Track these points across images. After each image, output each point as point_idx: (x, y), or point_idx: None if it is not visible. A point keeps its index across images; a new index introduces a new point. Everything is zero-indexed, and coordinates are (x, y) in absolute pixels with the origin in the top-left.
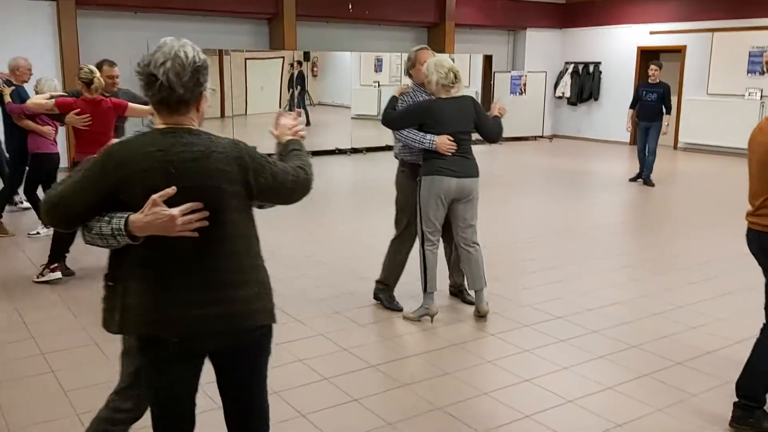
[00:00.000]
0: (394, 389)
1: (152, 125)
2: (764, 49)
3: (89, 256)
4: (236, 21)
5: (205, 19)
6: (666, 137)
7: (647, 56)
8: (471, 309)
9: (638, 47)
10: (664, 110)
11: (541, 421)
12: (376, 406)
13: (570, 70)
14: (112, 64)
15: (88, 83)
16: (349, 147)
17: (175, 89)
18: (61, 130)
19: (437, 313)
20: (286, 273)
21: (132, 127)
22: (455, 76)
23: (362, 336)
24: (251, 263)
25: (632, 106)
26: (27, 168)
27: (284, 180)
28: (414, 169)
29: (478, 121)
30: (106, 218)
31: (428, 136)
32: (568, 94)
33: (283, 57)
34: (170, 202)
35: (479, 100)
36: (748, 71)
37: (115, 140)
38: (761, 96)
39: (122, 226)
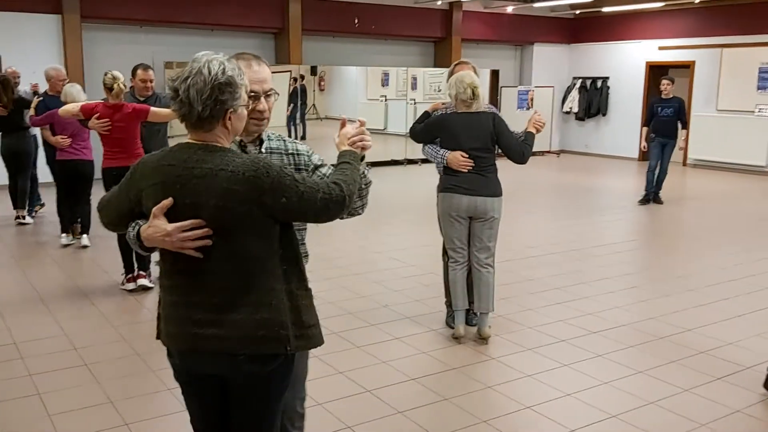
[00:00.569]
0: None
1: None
2: None
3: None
4: (242, 35)
5: (212, 34)
6: (675, 154)
7: (656, 72)
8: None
9: (647, 62)
10: (679, 125)
11: None
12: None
13: (578, 85)
14: (147, 68)
15: (110, 88)
16: None
17: (194, 106)
18: (96, 139)
19: (463, 335)
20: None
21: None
22: (473, 93)
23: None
24: (266, 286)
25: (646, 124)
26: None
27: (312, 198)
28: None
29: (498, 140)
30: (133, 224)
31: (441, 151)
32: (575, 110)
33: (290, 71)
34: (177, 219)
35: None
36: (758, 87)
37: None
38: None
39: (136, 235)
